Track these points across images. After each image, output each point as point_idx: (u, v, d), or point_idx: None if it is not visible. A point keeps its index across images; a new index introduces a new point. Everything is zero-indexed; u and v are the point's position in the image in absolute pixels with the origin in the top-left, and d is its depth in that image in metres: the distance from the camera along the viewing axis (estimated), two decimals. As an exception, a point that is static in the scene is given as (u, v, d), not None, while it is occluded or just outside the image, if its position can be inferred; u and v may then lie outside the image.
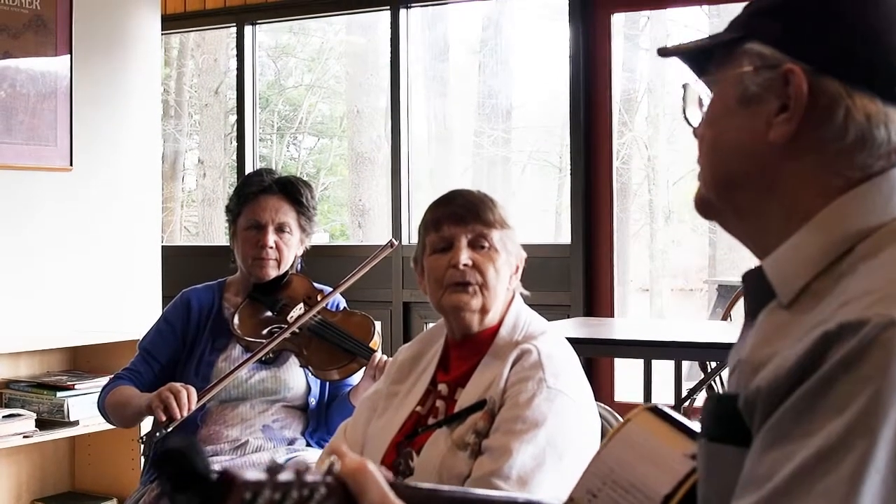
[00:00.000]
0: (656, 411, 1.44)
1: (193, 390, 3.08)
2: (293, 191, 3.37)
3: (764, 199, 1.29)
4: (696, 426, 1.38)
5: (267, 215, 3.32)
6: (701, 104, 1.40)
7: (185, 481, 1.07)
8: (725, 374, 1.35)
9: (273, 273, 3.34)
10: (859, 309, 1.11)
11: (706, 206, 1.37)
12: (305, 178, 3.64)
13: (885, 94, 1.24)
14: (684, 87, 1.42)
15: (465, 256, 2.35)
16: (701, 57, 1.39)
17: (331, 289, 3.40)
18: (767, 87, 1.28)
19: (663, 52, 1.44)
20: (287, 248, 3.34)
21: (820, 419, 1.08)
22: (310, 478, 1.15)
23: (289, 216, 3.35)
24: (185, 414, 3.03)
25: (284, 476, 1.12)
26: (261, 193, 3.35)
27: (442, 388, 2.39)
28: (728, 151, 1.32)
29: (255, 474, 1.10)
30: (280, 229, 3.33)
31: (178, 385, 3.07)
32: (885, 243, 1.20)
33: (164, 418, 3.01)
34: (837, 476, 1.05)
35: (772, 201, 1.29)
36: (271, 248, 3.30)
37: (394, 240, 3.41)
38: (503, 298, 2.40)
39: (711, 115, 1.36)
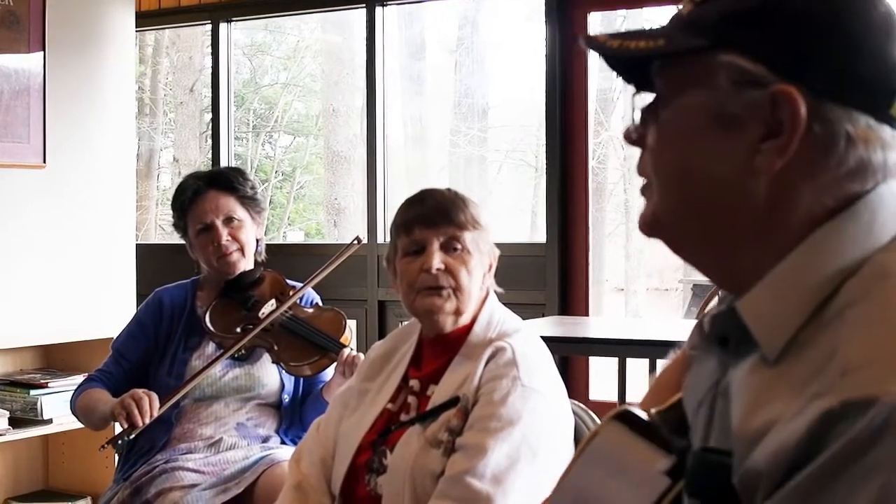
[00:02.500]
0: (624, 419, 1.30)
1: (155, 396, 3.07)
2: (224, 181, 3.37)
3: (736, 230, 1.15)
4: (666, 434, 1.28)
5: (210, 214, 3.32)
6: (645, 112, 1.22)
7: None
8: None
9: (242, 265, 3.34)
10: (864, 383, 0.99)
11: (658, 227, 1.22)
12: (249, 170, 3.65)
13: (880, 115, 1.11)
14: (634, 95, 1.23)
15: (437, 261, 2.34)
16: (647, 61, 1.20)
17: (301, 284, 3.40)
18: (751, 109, 1.11)
19: (603, 50, 1.21)
20: (244, 235, 3.34)
21: None
22: None
23: (231, 205, 3.34)
24: (147, 421, 3.02)
25: None
26: (195, 196, 3.34)
27: (413, 383, 2.39)
28: (701, 177, 1.15)
29: None
30: (228, 221, 3.33)
31: (140, 392, 3.07)
32: (871, 285, 1.07)
33: (126, 426, 3.01)
34: None
35: (745, 232, 1.14)
36: (228, 240, 3.30)
37: (360, 236, 3.41)
38: (477, 298, 2.40)
39: (673, 131, 1.18)
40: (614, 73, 1.28)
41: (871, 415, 0.96)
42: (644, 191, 1.23)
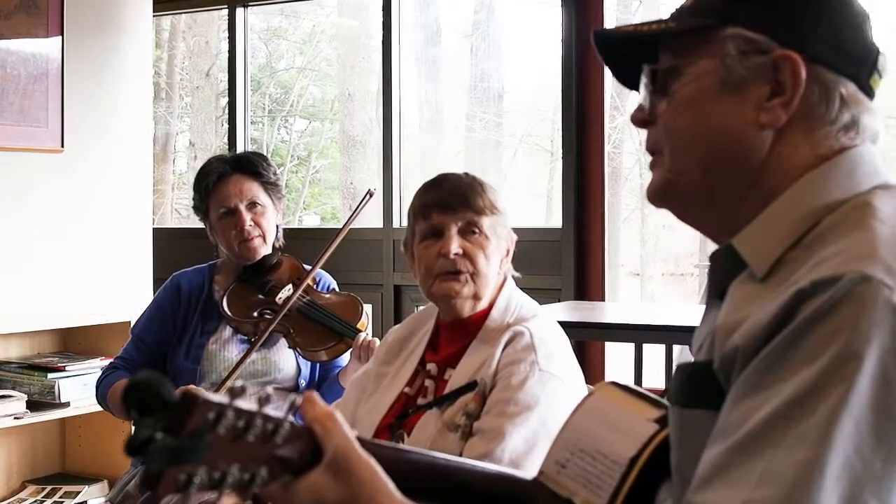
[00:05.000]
0: (618, 385, 1.48)
1: (201, 390, 3.07)
2: (249, 165, 3.37)
3: (743, 182, 1.30)
4: (656, 396, 1.44)
5: (234, 198, 3.32)
6: (655, 90, 1.37)
7: (151, 407, 1.09)
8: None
9: (262, 250, 3.34)
10: (832, 266, 1.13)
11: (672, 191, 1.35)
12: (265, 154, 3.65)
13: (862, 83, 1.30)
14: (652, 70, 1.38)
15: (455, 246, 2.34)
16: (655, 42, 1.37)
17: (319, 269, 3.40)
18: (756, 72, 1.28)
19: (616, 33, 1.44)
20: (266, 221, 3.35)
21: (792, 368, 1.10)
22: (273, 413, 1.16)
23: (255, 190, 3.34)
24: None
25: (246, 404, 1.13)
26: (219, 180, 3.34)
27: (431, 367, 2.40)
28: (714, 136, 1.31)
29: (217, 396, 1.11)
30: (251, 206, 3.33)
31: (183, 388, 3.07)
32: (850, 214, 1.23)
33: None
34: (810, 422, 1.06)
35: (750, 183, 1.30)
36: (251, 226, 3.30)
37: (372, 189, 3.43)
38: (494, 283, 2.40)
39: (684, 100, 1.33)
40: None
41: (836, 287, 1.11)
42: (653, 165, 1.38)
